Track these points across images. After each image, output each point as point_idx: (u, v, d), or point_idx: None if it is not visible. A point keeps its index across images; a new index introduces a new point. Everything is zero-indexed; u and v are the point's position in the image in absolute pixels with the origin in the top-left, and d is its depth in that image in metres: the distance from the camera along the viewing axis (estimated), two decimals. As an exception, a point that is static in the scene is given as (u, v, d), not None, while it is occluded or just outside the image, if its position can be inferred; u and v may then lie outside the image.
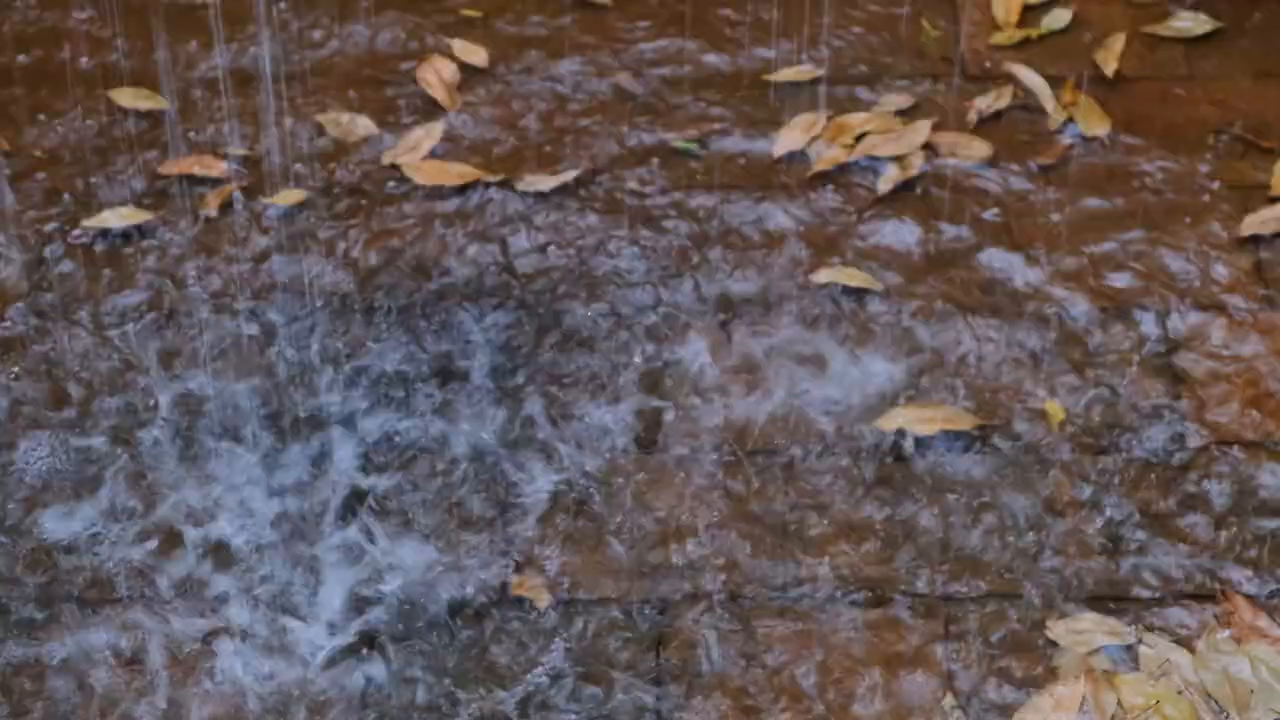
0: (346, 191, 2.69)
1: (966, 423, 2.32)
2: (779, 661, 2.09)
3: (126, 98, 2.83)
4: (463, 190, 2.69)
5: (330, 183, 2.71)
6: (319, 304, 2.51)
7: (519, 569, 2.18)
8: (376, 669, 2.10)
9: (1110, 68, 2.84)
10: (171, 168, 2.72)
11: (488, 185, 2.69)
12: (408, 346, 2.45)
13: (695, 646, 2.10)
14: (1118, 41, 2.89)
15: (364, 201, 2.68)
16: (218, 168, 2.73)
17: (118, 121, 2.80)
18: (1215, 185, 2.67)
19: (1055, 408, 2.35)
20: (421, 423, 2.35)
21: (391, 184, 2.72)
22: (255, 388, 2.41)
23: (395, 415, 2.36)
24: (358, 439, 2.33)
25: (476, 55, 2.91)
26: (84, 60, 2.90)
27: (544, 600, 2.15)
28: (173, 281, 2.55)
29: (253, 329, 2.48)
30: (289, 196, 2.67)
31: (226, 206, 2.67)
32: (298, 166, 2.73)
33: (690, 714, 2.04)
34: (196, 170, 2.72)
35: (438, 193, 2.68)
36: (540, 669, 2.09)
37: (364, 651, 2.11)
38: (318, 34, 2.96)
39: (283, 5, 2.98)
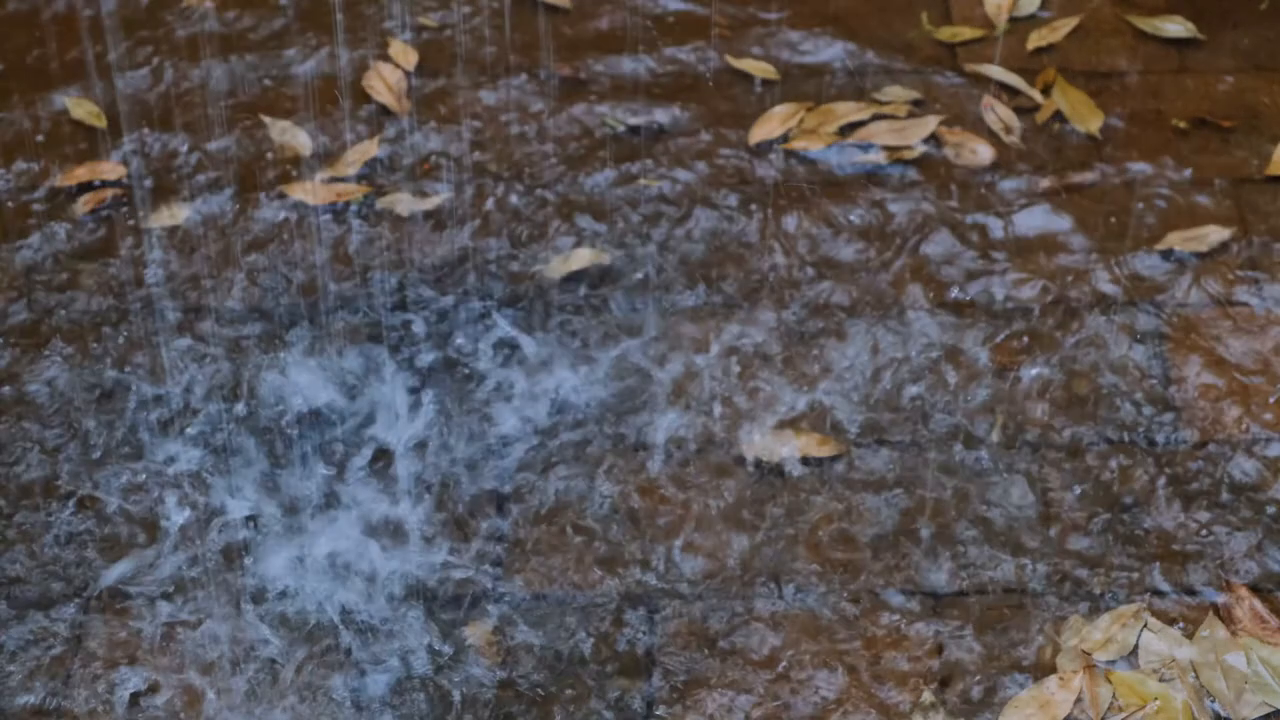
0: (216, 204, 2.61)
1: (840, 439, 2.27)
2: (760, 655, 2.05)
3: (72, 106, 2.77)
4: (336, 210, 2.60)
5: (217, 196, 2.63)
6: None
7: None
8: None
9: (1032, 46, 2.81)
10: (72, 174, 2.66)
11: (357, 205, 2.61)
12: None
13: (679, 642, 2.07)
14: (1067, 25, 2.86)
15: (220, 219, 2.58)
16: (117, 171, 2.66)
17: (58, 124, 2.75)
18: (1198, 175, 2.62)
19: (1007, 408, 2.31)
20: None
21: (271, 196, 2.62)
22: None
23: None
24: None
25: (424, 61, 2.84)
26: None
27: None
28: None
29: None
30: (172, 212, 2.59)
31: (96, 210, 2.60)
32: (201, 178, 2.65)
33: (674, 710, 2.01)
34: (97, 176, 2.65)
35: (305, 207, 2.60)
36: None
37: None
38: (273, 43, 2.89)
39: (244, 15, 2.93)
